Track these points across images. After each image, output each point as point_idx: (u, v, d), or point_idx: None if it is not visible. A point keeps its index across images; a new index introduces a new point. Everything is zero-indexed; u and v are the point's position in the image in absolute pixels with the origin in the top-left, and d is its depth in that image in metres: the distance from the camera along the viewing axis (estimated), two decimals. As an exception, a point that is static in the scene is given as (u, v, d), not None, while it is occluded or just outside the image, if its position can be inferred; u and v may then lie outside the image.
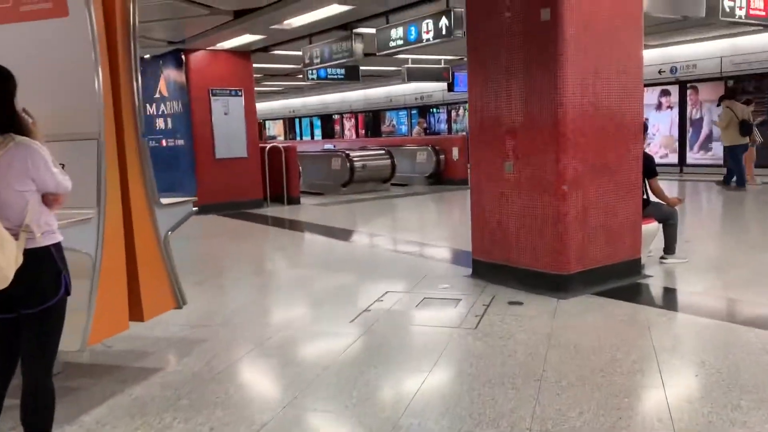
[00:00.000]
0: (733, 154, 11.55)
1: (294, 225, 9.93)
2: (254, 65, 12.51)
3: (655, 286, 5.21)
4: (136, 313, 3.59)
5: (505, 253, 5.36)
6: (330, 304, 5.13)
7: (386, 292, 5.23)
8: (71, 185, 2.53)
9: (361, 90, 23.72)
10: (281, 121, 31.76)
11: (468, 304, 4.81)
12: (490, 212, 5.46)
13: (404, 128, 24.17)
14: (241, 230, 9.48)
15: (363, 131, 26.27)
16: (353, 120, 26.72)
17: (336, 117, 27.62)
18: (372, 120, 25.72)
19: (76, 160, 3.26)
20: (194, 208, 4.02)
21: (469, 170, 5.87)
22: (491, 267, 5.48)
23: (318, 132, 29.11)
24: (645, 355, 3.63)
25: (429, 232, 8.85)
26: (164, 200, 3.82)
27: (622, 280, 5.16)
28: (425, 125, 19.98)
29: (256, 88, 21.97)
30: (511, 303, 4.78)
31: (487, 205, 5.47)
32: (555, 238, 4.94)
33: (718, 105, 12.56)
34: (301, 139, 29.56)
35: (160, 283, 3.77)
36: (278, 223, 10.15)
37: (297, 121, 30.58)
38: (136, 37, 3.50)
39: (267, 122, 32.71)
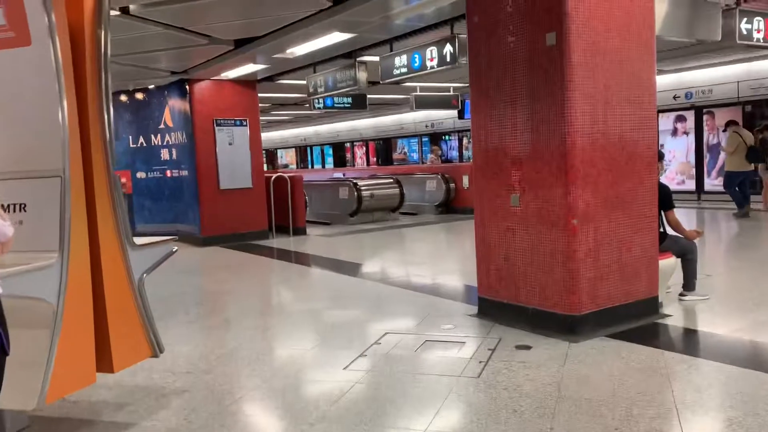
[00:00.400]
0: (733, 180, 11.18)
1: (298, 257, 9.66)
2: (261, 94, 12.43)
3: (675, 327, 4.84)
4: (104, 364, 3.31)
5: (512, 291, 5.03)
6: (325, 347, 4.81)
7: (386, 333, 4.91)
8: (12, 231, 2.27)
9: (372, 118, 23.63)
10: (294, 149, 31.77)
11: (472, 348, 4.47)
12: (495, 247, 5.15)
13: (415, 155, 24.00)
14: (243, 263, 9.21)
15: (374, 159, 26.14)
16: (364, 148, 26.61)
17: (347, 145, 27.54)
18: (383, 148, 25.60)
19: (38, 199, 3.03)
20: (174, 248, 3.74)
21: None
22: (498, 306, 5.16)
23: (330, 160, 29.05)
24: (665, 411, 3.27)
25: (436, 264, 8.53)
26: (139, 240, 3.56)
27: (638, 321, 4.82)
28: (440, 152, 19.63)
29: (266, 118, 22.17)
30: (518, 347, 4.43)
31: (493, 239, 5.17)
32: (565, 276, 4.61)
33: (724, 130, 12.33)
34: (313, 167, 29.51)
35: (134, 331, 3.48)
36: (282, 255, 9.88)
37: (309, 149, 30.57)
38: (108, 67, 3.28)
39: (279, 151, 32.81)
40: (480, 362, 4.14)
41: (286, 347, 4.94)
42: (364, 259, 9.37)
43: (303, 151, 31.25)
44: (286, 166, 31.93)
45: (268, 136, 30.19)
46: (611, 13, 4.63)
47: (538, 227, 4.77)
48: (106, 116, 3.27)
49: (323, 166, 28.81)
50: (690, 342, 4.64)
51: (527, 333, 4.72)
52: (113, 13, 5.96)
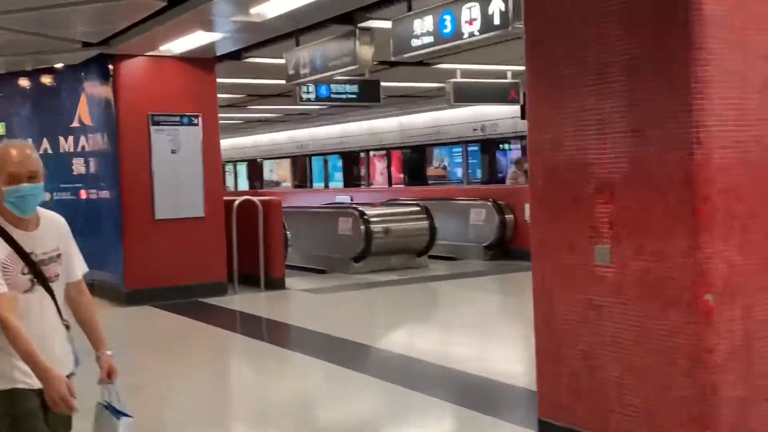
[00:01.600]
0: None
1: (263, 330, 8.94)
2: (223, 80, 11.88)
3: None
4: None
5: (597, 414, 4.28)
6: None
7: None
8: None
9: (395, 117, 23.02)
10: (288, 160, 31.40)
11: None
12: (568, 338, 4.45)
13: (459, 171, 23.31)
14: (181, 337, 8.61)
15: (400, 175, 25.62)
16: (385, 160, 26.07)
17: (362, 155, 27.01)
18: (413, 159, 25.00)
19: None
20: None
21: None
22: (573, 438, 4.40)
23: (339, 175, 28.60)
24: None
25: (480, 347, 7.79)
26: None
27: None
28: (526, 166, 18.93)
29: (244, 115, 21.74)
30: None
31: (564, 324, 4.47)
32: (693, 393, 3.84)
33: None
34: (311, 185, 29.12)
35: None
36: (243, 324, 9.24)
37: (308, 160, 30.17)
38: None
39: (267, 162, 32.44)
40: None
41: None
42: (370, 335, 8.53)
43: (302, 163, 30.85)
44: (277, 184, 31.53)
45: (253, 141, 29.87)
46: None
47: (644, 305, 4.05)
48: None
49: (326, 185, 28.29)
50: None
51: (623, 494, 3.79)
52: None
